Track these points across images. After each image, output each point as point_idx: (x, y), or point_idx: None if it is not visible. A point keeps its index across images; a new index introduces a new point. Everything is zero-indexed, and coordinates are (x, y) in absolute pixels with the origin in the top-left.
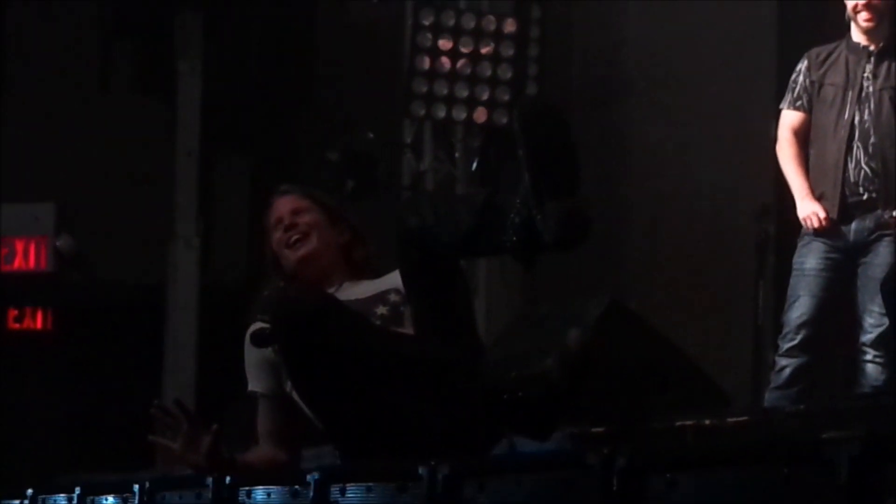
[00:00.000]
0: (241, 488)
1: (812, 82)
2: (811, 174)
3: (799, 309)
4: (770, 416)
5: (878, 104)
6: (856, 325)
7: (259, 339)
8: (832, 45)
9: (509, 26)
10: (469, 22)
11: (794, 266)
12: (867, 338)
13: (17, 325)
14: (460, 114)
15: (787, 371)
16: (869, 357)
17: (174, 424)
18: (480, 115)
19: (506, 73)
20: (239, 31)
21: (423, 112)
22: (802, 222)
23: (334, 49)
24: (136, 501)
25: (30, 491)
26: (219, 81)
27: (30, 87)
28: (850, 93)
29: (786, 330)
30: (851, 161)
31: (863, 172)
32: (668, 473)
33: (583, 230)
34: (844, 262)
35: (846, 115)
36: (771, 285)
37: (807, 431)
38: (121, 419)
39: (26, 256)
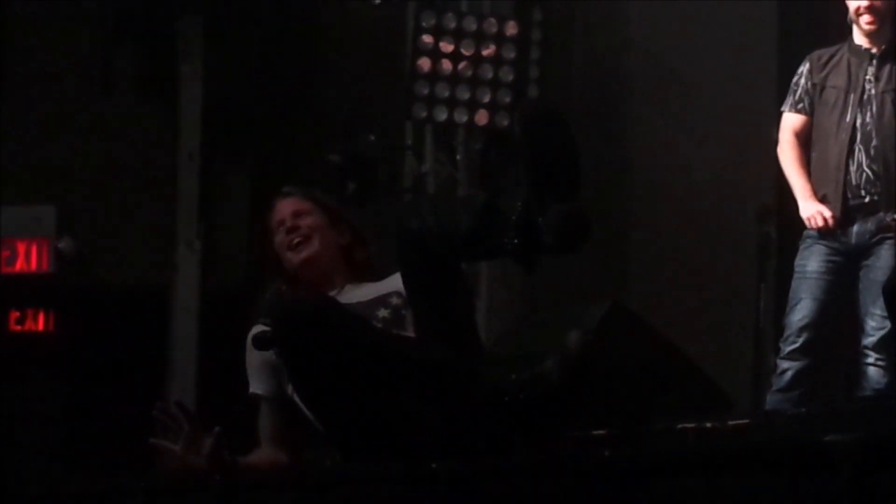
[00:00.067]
0: (243, 491)
1: (814, 85)
2: (813, 177)
3: (800, 312)
4: (771, 418)
5: (880, 107)
6: (857, 328)
7: (260, 342)
8: (834, 48)
9: (511, 29)
10: (470, 24)
11: (796, 269)
12: (869, 341)
13: (18, 327)
14: (462, 116)
15: (789, 374)
16: (871, 360)
17: (175, 426)
18: (482, 117)
19: (507, 75)
20: (240, 35)
21: (424, 114)
22: (806, 222)
23: (336, 51)
24: None
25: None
26: (220, 84)
27: (31, 89)
28: (852, 95)
29: (787, 333)
30: (853, 164)
31: (864, 175)
32: (669, 476)
33: (584, 233)
34: (846, 265)
35: (848, 118)
36: (772, 288)
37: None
38: (122, 421)
39: (28, 258)
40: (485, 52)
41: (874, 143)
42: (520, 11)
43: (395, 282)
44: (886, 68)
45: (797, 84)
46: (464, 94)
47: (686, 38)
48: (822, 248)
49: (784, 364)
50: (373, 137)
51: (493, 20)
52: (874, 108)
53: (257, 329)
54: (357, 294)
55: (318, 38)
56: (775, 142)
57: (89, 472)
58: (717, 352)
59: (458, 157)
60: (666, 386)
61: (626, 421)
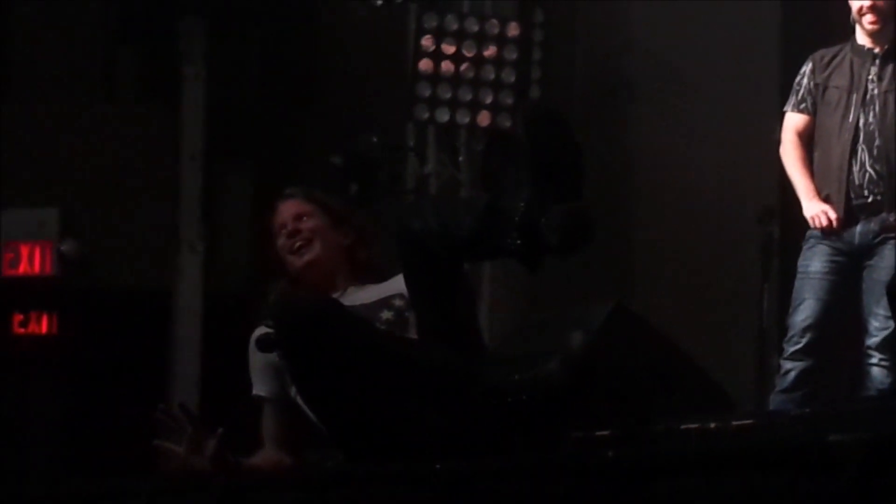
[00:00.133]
0: (246, 492)
1: (816, 85)
2: (816, 177)
3: (804, 312)
4: (775, 419)
5: (883, 107)
6: (861, 329)
7: (264, 344)
8: (837, 48)
9: (512, 30)
10: (472, 25)
11: (799, 269)
12: (872, 341)
13: (22, 330)
14: (464, 117)
15: (792, 374)
16: (874, 360)
17: (179, 428)
18: (484, 118)
19: (509, 76)
20: (243, 36)
21: (426, 116)
22: (810, 221)
23: (338, 53)
24: None
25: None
26: (223, 86)
27: (34, 92)
28: (855, 95)
29: (791, 333)
30: (856, 164)
31: (867, 175)
32: (672, 477)
33: (587, 234)
34: (849, 265)
35: (851, 118)
36: (775, 288)
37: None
38: (125, 423)
39: (31, 261)
40: (487, 54)
41: (877, 142)
42: (522, 13)
43: (397, 283)
44: (889, 68)
45: (800, 84)
46: (466, 96)
47: (688, 39)
48: (826, 248)
49: (787, 364)
50: (375, 138)
51: (494, 21)
52: (877, 108)
53: (260, 331)
54: (360, 296)
55: (319, 40)
56: (778, 142)
57: (92, 474)
58: (720, 352)
59: (460, 158)
60: (669, 386)
61: (628, 421)
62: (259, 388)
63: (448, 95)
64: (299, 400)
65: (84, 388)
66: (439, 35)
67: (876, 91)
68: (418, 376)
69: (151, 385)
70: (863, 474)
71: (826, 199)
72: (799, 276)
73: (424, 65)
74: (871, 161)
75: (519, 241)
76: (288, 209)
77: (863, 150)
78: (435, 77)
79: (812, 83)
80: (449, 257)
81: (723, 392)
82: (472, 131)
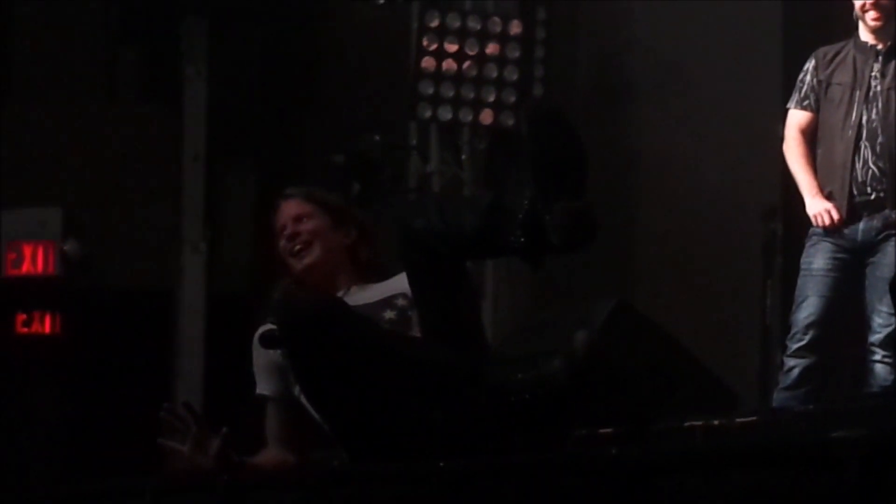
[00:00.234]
0: (250, 491)
1: (819, 82)
2: (819, 174)
3: (807, 309)
4: (778, 416)
5: (886, 103)
6: (864, 326)
7: (268, 341)
8: (840, 45)
9: (515, 28)
10: (475, 24)
11: (802, 266)
12: (875, 338)
13: (25, 330)
14: (466, 116)
15: (796, 371)
16: (877, 357)
17: (183, 428)
18: (486, 116)
19: (512, 74)
20: (244, 36)
21: (428, 114)
22: (813, 219)
23: (340, 52)
24: None
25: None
26: (225, 86)
27: (36, 92)
28: (858, 92)
29: (794, 330)
30: (859, 161)
31: (870, 172)
32: (676, 474)
33: (590, 231)
34: (852, 262)
35: (854, 115)
36: (778, 286)
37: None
38: (129, 423)
39: (34, 261)
40: (489, 52)
41: (880, 139)
42: (524, 10)
43: (400, 283)
44: (892, 64)
45: (803, 81)
46: (468, 94)
47: (690, 37)
48: (829, 245)
49: (791, 361)
50: (377, 137)
51: (497, 19)
52: (880, 105)
53: (265, 328)
54: (362, 296)
55: (321, 39)
56: (781, 140)
57: (96, 474)
58: (723, 350)
59: (462, 156)
60: (672, 384)
61: (632, 419)
62: (263, 388)
63: (450, 94)
64: (303, 399)
65: (87, 387)
66: (441, 33)
67: (879, 88)
68: (421, 375)
69: (154, 385)
70: (866, 471)
71: (829, 196)
72: (802, 273)
73: (427, 63)
74: (874, 158)
75: (522, 239)
76: (287, 210)
77: (866, 146)
78: (437, 75)
79: (815, 80)
80: (452, 256)
81: (726, 389)
82: (474, 130)
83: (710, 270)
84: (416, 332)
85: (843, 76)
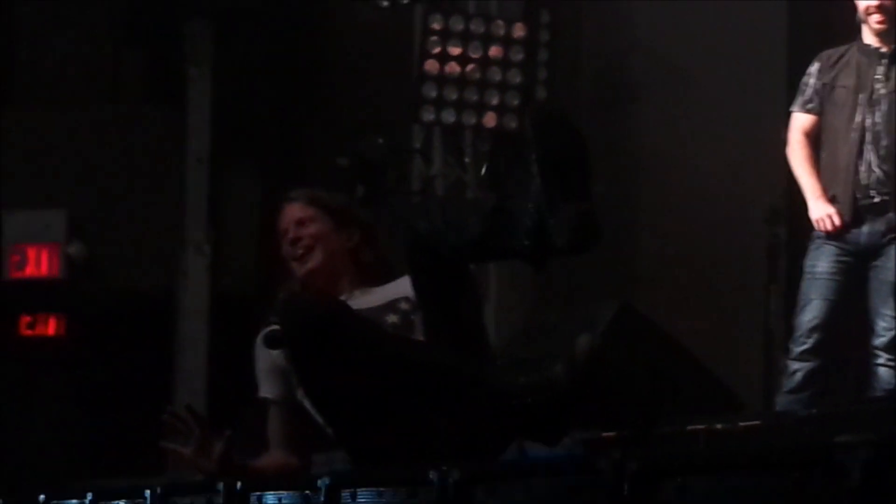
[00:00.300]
0: (253, 493)
1: (823, 84)
2: (822, 177)
3: (810, 312)
4: (782, 420)
5: (890, 106)
6: (867, 329)
7: (271, 340)
8: (844, 48)
9: (518, 31)
10: (478, 27)
11: (806, 269)
12: (879, 341)
13: (29, 332)
14: (470, 118)
15: (799, 375)
16: (881, 360)
17: (186, 430)
18: (490, 119)
19: (515, 77)
20: (249, 38)
21: (432, 117)
22: (815, 224)
23: (344, 54)
24: None
25: (42, 497)
26: (229, 88)
27: (41, 94)
28: (862, 95)
29: (797, 334)
30: (863, 164)
31: (874, 175)
32: (679, 478)
33: (594, 234)
34: (856, 266)
35: (857, 118)
36: (782, 289)
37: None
38: (132, 425)
39: (38, 263)
40: (492, 55)
41: (884, 142)
42: (527, 13)
43: (402, 286)
44: None
45: (807, 84)
46: (472, 97)
47: (694, 39)
48: (832, 248)
49: (794, 365)
50: (381, 140)
51: (500, 22)
52: (884, 108)
53: (268, 330)
54: (365, 300)
55: (326, 42)
56: (784, 142)
57: (99, 474)
58: (726, 353)
59: (466, 159)
60: (675, 387)
61: (635, 422)
62: (265, 390)
63: (454, 97)
64: (305, 402)
65: (91, 389)
66: (445, 36)
67: (883, 91)
68: (424, 378)
69: (157, 386)
70: (869, 475)
71: (832, 200)
72: (805, 276)
73: (430, 66)
74: (878, 161)
75: (526, 242)
76: (290, 214)
77: (869, 149)
78: (441, 78)
79: (819, 83)
80: (455, 258)
81: (730, 392)
82: (477, 132)
83: (713, 273)
84: (418, 336)
85: (847, 79)
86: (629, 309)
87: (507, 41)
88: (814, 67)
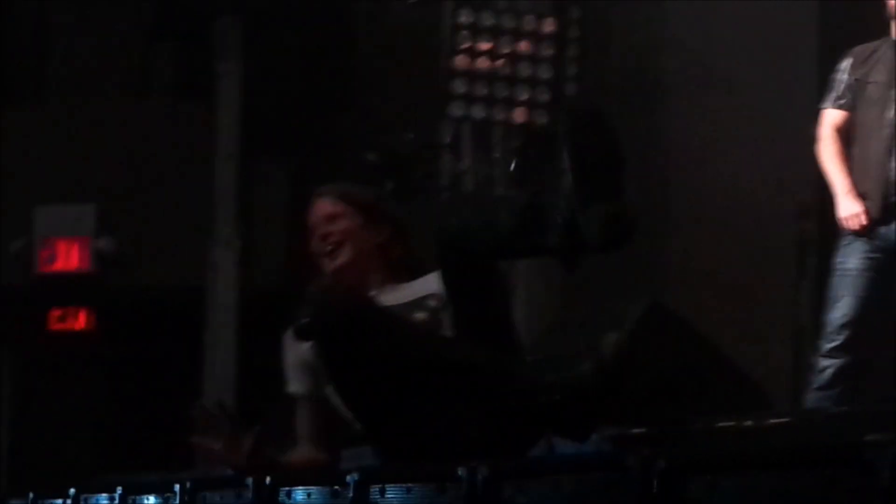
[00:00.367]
0: (282, 488)
1: (856, 80)
2: (854, 173)
3: (841, 309)
4: (811, 417)
5: None
6: None
7: (301, 332)
8: (875, 43)
9: (548, 26)
10: (508, 22)
11: (836, 266)
12: None
13: (59, 326)
14: (499, 114)
15: (829, 372)
16: None
17: (216, 425)
18: (519, 115)
19: (545, 73)
20: (278, 34)
21: (461, 112)
22: (843, 222)
23: (373, 50)
24: (178, 501)
25: (72, 490)
26: (258, 84)
27: (71, 90)
28: (894, 91)
29: (827, 330)
30: (894, 160)
31: None
32: (708, 475)
33: (627, 232)
34: (887, 262)
35: (890, 114)
36: (812, 286)
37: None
38: (161, 419)
39: (67, 257)
40: (522, 50)
41: None
42: (557, 8)
43: (431, 282)
44: None
45: (838, 80)
46: (501, 92)
47: (725, 36)
48: (863, 245)
49: (824, 362)
50: (410, 136)
51: (530, 17)
52: None
53: (297, 324)
54: (394, 297)
55: (355, 37)
56: (815, 139)
57: (128, 468)
58: (756, 350)
59: (495, 155)
60: (704, 384)
61: (664, 419)
62: (294, 386)
63: (483, 92)
64: (334, 398)
65: (120, 383)
66: (475, 31)
67: None
68: (452, 375)
69: (186, 381)
70: None
71: (863, 196)
72: (836, 273)
73: (459, 61)
74: None
75: (557, 240)
76: (320, 210)
77: None
78: (470, 74)
79: (851, 79)
80: (486, 255)
81: (759, 390)
82: (507, 128)
83: (743, 270)
84: (447, 333)
85: (880, 75)
86: (658, 306)
87: (536, 36)
88: (845, 63)
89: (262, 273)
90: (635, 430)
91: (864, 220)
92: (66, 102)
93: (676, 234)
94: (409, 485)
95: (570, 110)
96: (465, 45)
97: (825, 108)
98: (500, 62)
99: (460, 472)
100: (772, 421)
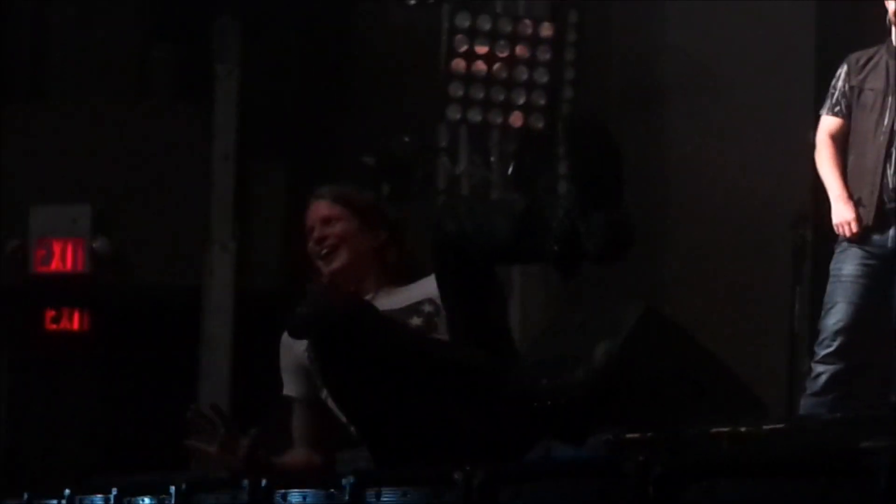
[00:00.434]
0: (277, 491)
1: (851, 87)
2: (849, 180)
3: (836, 315)
4: (806, 423)
5: None
6: (893, 332)
7: (296, 329)
8: (872, 50)
9: (546, 30)
10: (505, 26)
11: (832, 272)
12: None
13: (54, 326)
14: (496, 118)
15: (824, 378)
16: None
17: (210, 429)
18: (516, 119)
19: (542, 77)
20: (277, 36)
21: (458, 116)
22: (836, 228)
23: (371, 52)
24: (173, 502)
25: (67, 491)
26: (256, 85)
27: (69, 90)
28: (890, 98)
29: (822, 336)
30: (890, 167)
31: None
32: (703, 480)
33: (627, 243)
34: (882, 269)
35: (886, 121)
36: (807, 291)
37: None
38: (156, 420)
39: (63, 258)
40: (519, 54)
41: None
42: (555, 13)
43: (427, 287)
44: None
45: (835, 87)
46: (498, 96)
47: (722, 41)
48: (858, 251)
49: (819, 368)
50: (407, 139)
51: (528, 22)
52: None
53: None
54: (389, 301)
55: (353, 40)
56: (812, 145)
57: (123, 469)
58: (751, 355)
59: (492, 158)
60: (699, 390)
61: (659, 425)
62: (289, 389)
63: (480, 96)
64: (329, 401)
65: (115, 384)
66: (472, 35)
67: None
68: (447, 378)
69: (182, 381)
70: (895, 481)
71: (859, 202)
72: (831, 279)
73: (457, 65)
74: None
75: (556, 248)
76: (316, 212)
77: None
78: (467, 77)
79: (847, 86)
80: (483, 260)
81: (754, 396)
82: (504, 132)
83: (738, 276)
84: (442, 338)
85: (876, 82)
86: (653, 311)
87: (534, 40)
88: (842, 70)
89: (258, 275)
90: (631, 435)
91: (854, 227)
92: (64, 102)
93: (673, 237)
94: (405, 488)
95: (570, 119)
96: (463, 49)
97: (823, 115)
98: (497, 66)
99: (456, 476)
100: (767, 427)
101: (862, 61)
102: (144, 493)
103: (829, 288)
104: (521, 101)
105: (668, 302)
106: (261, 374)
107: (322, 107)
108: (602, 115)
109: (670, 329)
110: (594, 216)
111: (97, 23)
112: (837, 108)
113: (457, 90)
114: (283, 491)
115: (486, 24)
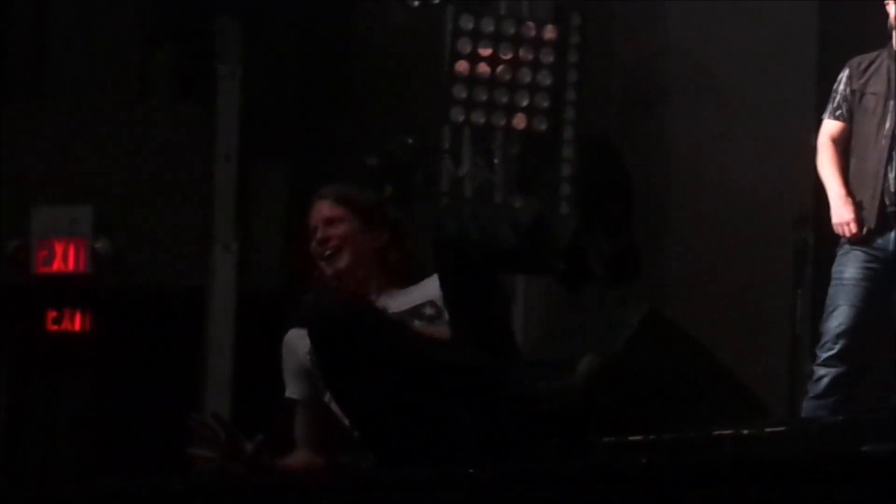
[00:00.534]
0: (279, 493)
1: (853, 91)
2: (851, 183)
3: (837, 318)
4: (807, 426)
5: None
6: (894, 335)
7: (300, 321)
8: (874, 54)
9: (549, 33)
10: (509, 28)
11: (833, 275)
12: None
13: (55, 327)
14: (499, 120)
15: (825, 381)
16: None
17: (212, 436)
18: (520, 121)
19: (545, 79)
20: (278, 36)
21: (461, 118)
22: (836, 228)
23: (374, 54)
24: None
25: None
26: (258, 86)
27: (70, 90)
28: (892, 102)
29: (824, 339)
30: (892, 170)
31: None
32: (705, 483)
33: (634, 271)
34: (884, 272)
35: (887, 125)
36: (809, 294)
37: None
38: (157, 421)
39: (65, 258)
40: (523, 56)
41: None
42: (558, 15)
43: (428, 289)
44: None
45: (836, 91)
46: (502, 98)
47: (725, 43)
48: (860, 254)
49: (820, 370)
50: (410, 140)
51: (531, 24)
52: None
53: (292, 332)
54: (391, 304)
55: (355, 41)
56: (814, 149)
57: (124, 472)
58: (753, 358)
59: (495, 160)
60: (701, 392)
61: (661, 427)
62: (292, 391)
63: (484, 98)
64: (332, 403)
65: (116, 385)
66: (475, 37)
67: None
68: (449, 381)
69: (183, 383)
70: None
71: (859, 206)
72: (833, 282)
73: (460, 67)
74: None
75: (563, 266)
76: (318, 212)
77: None
78: (471, 79)
79: (848, 90)
80: (487, 266)
81: (755, 398)
82: (507, 134)
83: (740, 278)
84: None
85: (878, 86)
86: (656, 314)
87: (537, 43)
88: (844, 74)
89: (261, 276)
90: (632, 438)
91: (854, 228)
92: (65, 102)
93: (674, 240)
94: (407, 490)
95: (584, 143)
96: (466, 51)
97: (825, 119)
98: (500, 68)
99: (458, 477)
100: (768, 429)
101: (863, 65)
102: (145, 495)
103: (830, 291)
104: (525, 103)
105: (670, 304)
106: (263, 375)
107: (324, 107)
108: (605, 116)
109: (672, 331)
110: (603, 242)
111: (97, 23)
112: (839, 112)
113: (460, 92)
114: (285, 493)
115: (489, 26)
